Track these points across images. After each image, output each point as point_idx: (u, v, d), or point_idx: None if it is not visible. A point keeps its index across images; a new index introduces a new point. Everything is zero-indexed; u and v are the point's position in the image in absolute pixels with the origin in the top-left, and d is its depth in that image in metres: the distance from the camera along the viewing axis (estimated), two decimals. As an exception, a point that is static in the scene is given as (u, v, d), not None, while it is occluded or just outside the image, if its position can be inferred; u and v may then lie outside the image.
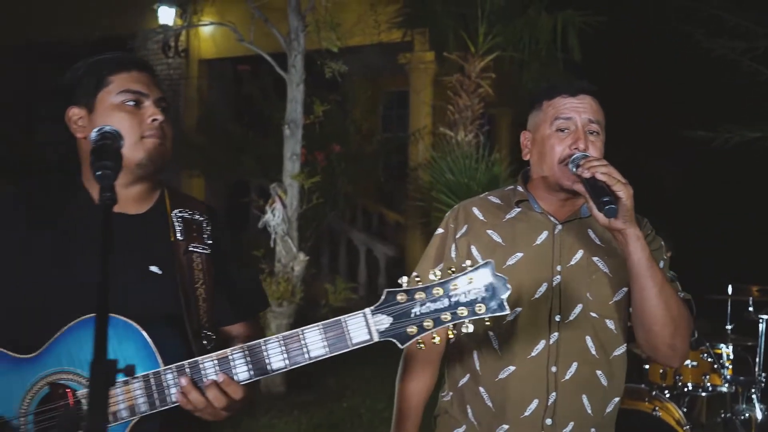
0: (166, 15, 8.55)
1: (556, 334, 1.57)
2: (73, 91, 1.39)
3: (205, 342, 1.33)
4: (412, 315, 1.15)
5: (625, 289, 1.57)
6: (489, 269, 1.16)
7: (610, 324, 1.59)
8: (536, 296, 1.58)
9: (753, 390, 3.48)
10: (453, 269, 1.18)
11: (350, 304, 6.51)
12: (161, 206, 1.44)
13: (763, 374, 3.47)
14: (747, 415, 3.51)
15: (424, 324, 1.15)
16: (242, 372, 1.19)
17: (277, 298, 5.14)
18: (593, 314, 1.58)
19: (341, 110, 7.63)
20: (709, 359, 3.49)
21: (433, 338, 1.18)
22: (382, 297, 1.17)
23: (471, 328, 1.18)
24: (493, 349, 1.60)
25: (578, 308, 1.57)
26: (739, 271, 4.12)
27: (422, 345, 1.18)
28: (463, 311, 1.14)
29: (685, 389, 3.52)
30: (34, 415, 1.24)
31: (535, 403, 1.56)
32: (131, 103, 1.36)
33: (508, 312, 1.17)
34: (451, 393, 1.70)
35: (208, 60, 9.40)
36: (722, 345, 3.55)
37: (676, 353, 1.53)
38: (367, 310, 1.17)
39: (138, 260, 1.36)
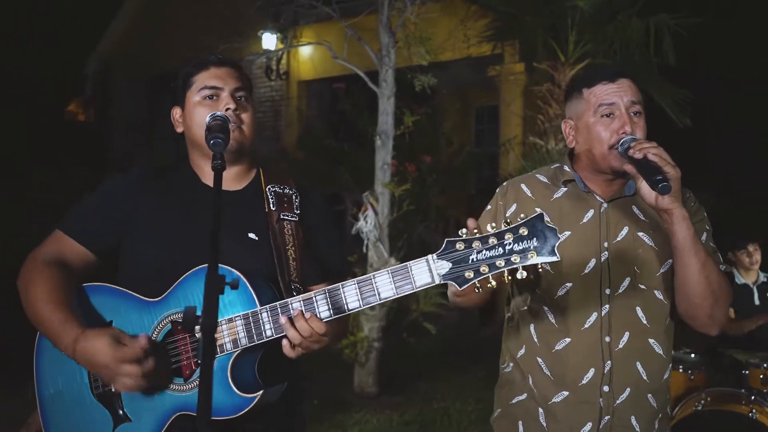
0: (269, 40, 9.17)
1: (607, 306, 1.66)
2: (175, 94, 1.66)
3: (295, 293, 1.53)
4: (470, 261, 1.29)
5: (670, 261, 1.65)
6: (540, 221, 1.28)
7: (659, 294, 1.67)
8: (586, 272, 1.67)
9: None
10: (509, 221, 1.30)
11: (441, 310, 6.62)
12: (257, 183, 1.67)
13: None
14: None
15: (481, 269, 1.29)
16: (324, 311, 1.40)
17: (369, 301, 5.37)
18: (642, 286, 1.66)
19: (431, 123, 7.82)
20: (813, 362, 3.33)
21: (489, 283, 1.30)
22: (443, 245, 1.31)
23: (524, 274, 1.29)
24: (549, 322, 1.71)
25: (627, 281, 1.66)
26: None
27: (479, 289, 1.31)
28: (516, 258, 1.28)
29: (788, 394, 3.36)
30: (160, 348, 1.49)
31: (591, 372, 1.65)
32: (210, 98, 1.58)
33: (558, 259, 1.29)
34: (511, 364, 1.81)
35: (307, 81, 9.95)
36: (827, 348, 3.38)
37: (714, 322, 1.61)
38: (430, 257, 1.31)
39: (238, 229, 1.58)
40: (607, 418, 1.66)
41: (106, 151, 11.59)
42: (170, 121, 1.67)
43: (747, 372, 3.56)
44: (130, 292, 1.54)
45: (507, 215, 1.76)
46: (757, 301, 4.35)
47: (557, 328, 1.70)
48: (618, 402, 1.66)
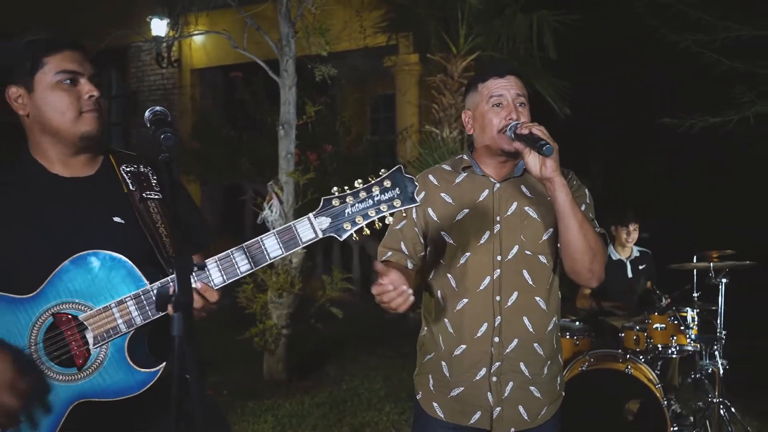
0: (159, 27, 8.85)
1: (498, 270, 1.94)
2: (10, 71, 1.54)
3: None
4: (346, 214, 1.45)
5: (551, 229, 1.95)
6: (399, 173, 1.46)
7: (543, 259, 1.97)
8: (481, 242, 1.94)
9: (715, 346, 3.80)
10: (371, 178, 1.49)
11: (347, 294, 6.79)
12: (108, 166, 1.63)
13: (724, 332, 3.79)
14: (710, 369, 3.83)
15: (356, 220, 1.45)
16: (217, 277, 1.46)
17: (277, 289, 5.42)
18: (527, 252, 1.95)
19: (331, 113, 7.94)
20: (675, 321, 3.82)
21: (364, 231, 1.48)
22: (321, 204, 1.45)
23: (391, 219, 1.48)
24: (451, 287, 1.98)
25: (515, 249, 1.95)
26: (706, 240, 4.43)
27: (356, 237, 1.49)
28: (384, 207, 1.45)
29: (657, 351, 3.84)
30: (44, 342, 1.47)
31: (484, 326, 1.93)
32: (67, 81, 1.52)
33: (418, 203, 1.49)
34: (425, 328, 2.09)
35: (200, 69, 9.71)
36: (688, 309, 3.88)
37: (594, 275, 1.90)
38: (311, 215, 1.45)
39: (101, 214, 1.55)
40: (497, 364, 1.93)
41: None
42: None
43: (623, 335, 4.02)
44: None
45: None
46: (630, 274, 4.87)
47: (458, 292, 1.96)
48: (507, 351, 1.94)
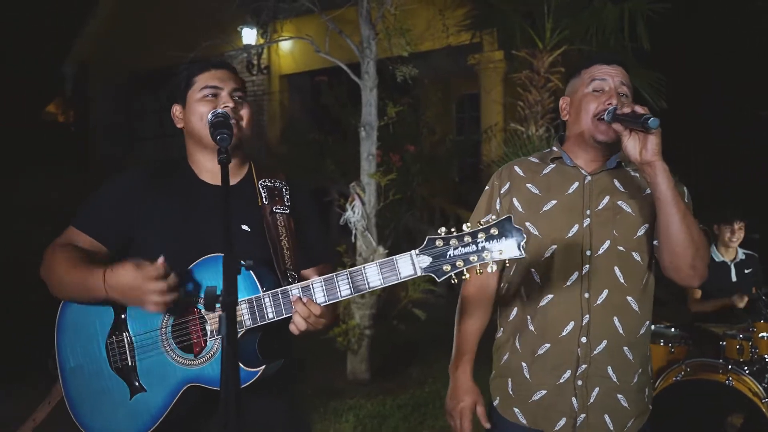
0: (249, 35, 9.19)
1: (587, 266, 1.81)
2: (174, 93, 1.80)
3: (291, 280, 1.67)
4: (447, 256, 1.45)
5: (647, 225, 1.80)
6: (508, 222, 1.43)
7: (636, 256, 1.82)
8: (569, 235, 1.82)
9: (833, 359, 3.44)
10: (481, 222, 1.45)
11: (429, 296, 6.74)
12: (250, 177, 1.81)
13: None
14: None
15: (457, 263, 1.44)
16: (320, 297, 1.55)
17: (359, 289, 5.46)
18: (620, 248, 1.81)
19: (413, 113, 7.92)
20: (785, 330, 3.49)
21: (464, 275, 1.46)
22: (424, 242, 1.46)
23: (494, 268, 1.45)
24: (535, 282, 1.86)
25: (606, 243, 1.81)
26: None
27: (455, 280, 1.46)
28: (487, 254, 1.43)
29: (763, 362, 3.53)
30: (172, 327, 1.65)
31: (571, 325, 1.81)
32: (210, 95, 1.72)
33: (524, 256, 1.44)
34: (502, 329, 1.98)
35: (288, 75, 9.99)
36: (799, 317, 3.54)
37: (696, 273, 1.73)
38: (413, 252, 1.48)
39: (233, 221, 1.68)
40: (583, 366, 1.81)
41: (88, 153, 11.53)
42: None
43: (724, 343, 3.72)
44: None
45: (501, 192, 1.92)
46: (734, 278, 4.50)
47: (542, 287, 1.85)
48: (595, 353, 1.80)
